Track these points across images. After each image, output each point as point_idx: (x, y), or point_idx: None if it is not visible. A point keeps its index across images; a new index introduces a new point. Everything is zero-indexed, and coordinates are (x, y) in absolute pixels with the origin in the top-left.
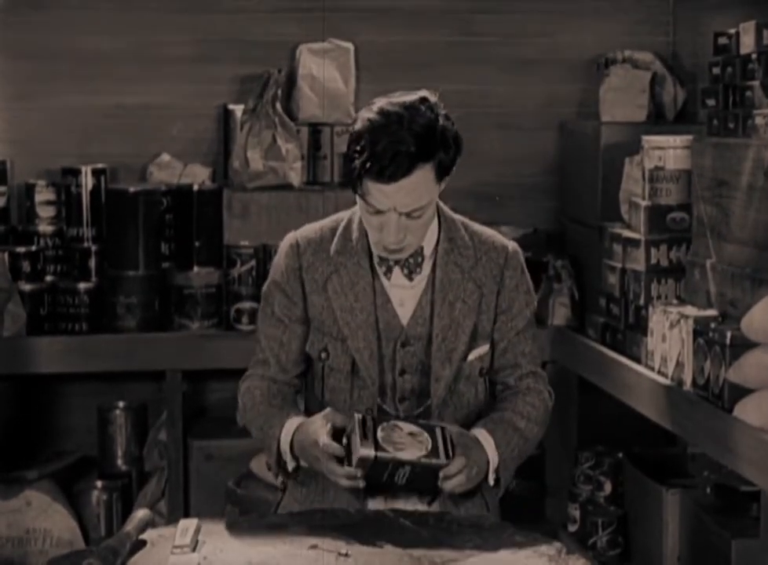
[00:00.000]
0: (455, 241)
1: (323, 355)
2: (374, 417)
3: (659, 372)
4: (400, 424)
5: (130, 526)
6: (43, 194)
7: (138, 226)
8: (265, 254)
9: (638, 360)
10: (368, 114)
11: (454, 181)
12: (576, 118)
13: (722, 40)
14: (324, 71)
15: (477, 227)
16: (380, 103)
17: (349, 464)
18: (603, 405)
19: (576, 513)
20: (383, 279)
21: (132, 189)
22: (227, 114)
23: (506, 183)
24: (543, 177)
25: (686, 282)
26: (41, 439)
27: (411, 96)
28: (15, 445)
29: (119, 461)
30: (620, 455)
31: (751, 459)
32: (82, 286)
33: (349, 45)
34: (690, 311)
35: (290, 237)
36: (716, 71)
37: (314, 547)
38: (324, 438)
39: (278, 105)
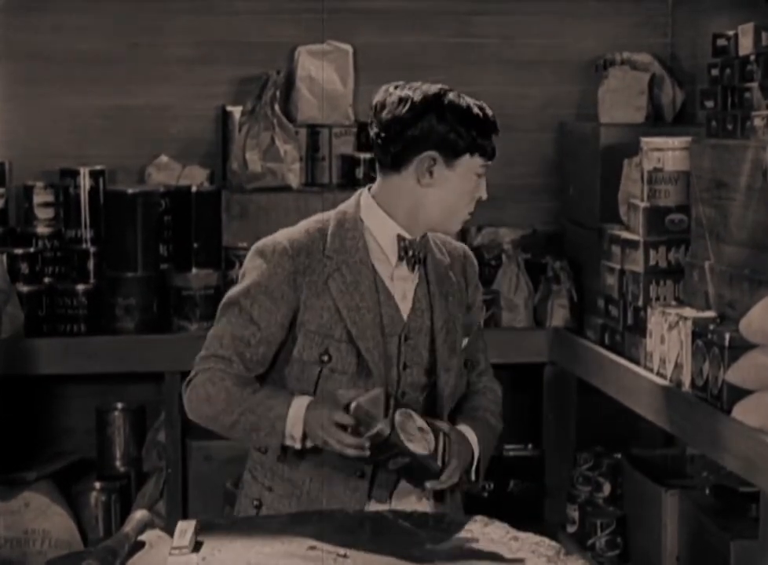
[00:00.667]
0: (429, 238)
1: (325, 358)
2: (398, 398)
3: (657, 373)
4: (414, 416)
5: (129, 527)
6: (41, 195)
7: (137, 227)
8: None
9: (636, 361)
10: (430, 92)
11: None
12: (575, 120)
13: (721, 42)
14: (323, 73)
15: None
16: (419, 88)
17: (355, 435)
18: (602, 406)
19: (575, 514)
20: (383, 275)
21: (130, 190)
22: (225, 116)
23: (506, 184)
24: (542, 178)
25: (685, 283)
26: (39, 441)
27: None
28: (14, 446)
29: (118, 462)
30: (619, 456)
31: (749, 460)
32: (80, 287)
33: (348, 47)
34: (689, 312)
35: (274, 242)
36: (715, 72)
37: (313, 548)
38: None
39: (276, 107)
